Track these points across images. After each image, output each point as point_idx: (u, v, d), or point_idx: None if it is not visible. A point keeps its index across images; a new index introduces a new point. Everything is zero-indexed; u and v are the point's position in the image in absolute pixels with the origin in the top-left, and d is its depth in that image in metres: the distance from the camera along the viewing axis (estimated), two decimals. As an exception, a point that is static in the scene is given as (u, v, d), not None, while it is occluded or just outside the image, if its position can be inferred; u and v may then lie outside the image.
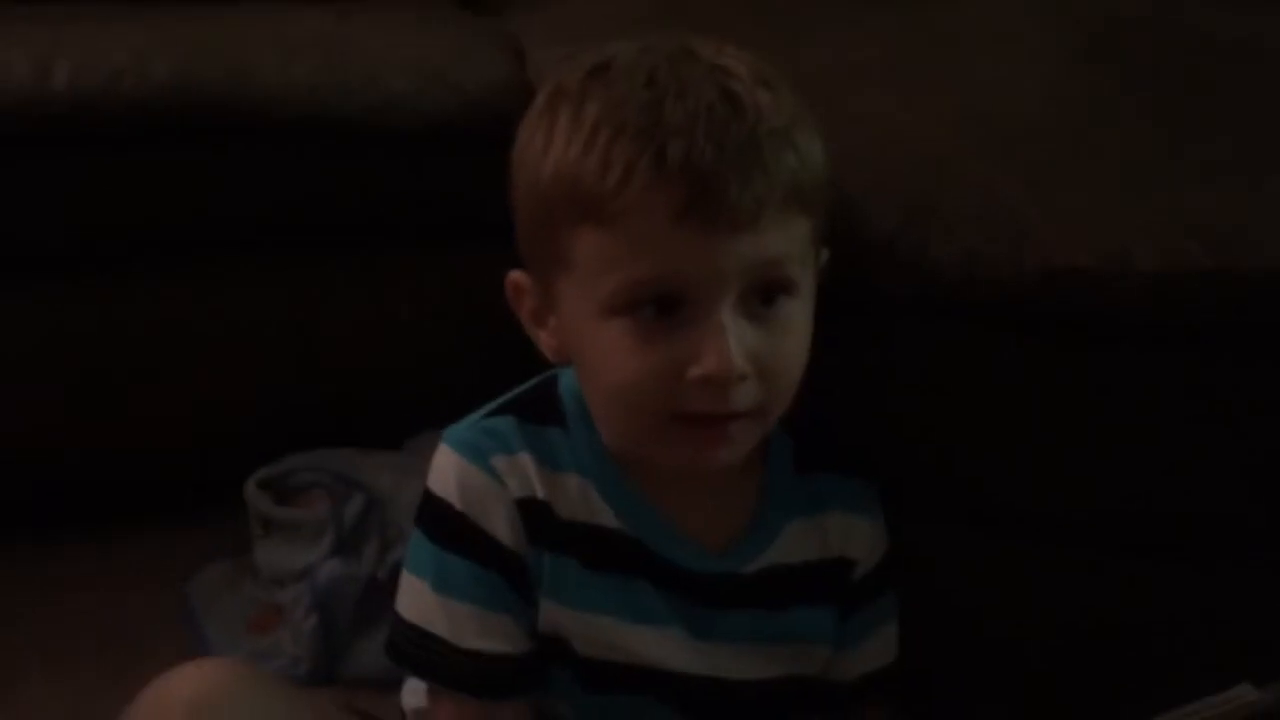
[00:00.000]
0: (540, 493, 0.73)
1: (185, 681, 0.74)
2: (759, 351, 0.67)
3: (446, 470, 0.74)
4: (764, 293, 0.68)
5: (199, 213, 1.07)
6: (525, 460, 0.73)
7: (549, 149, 0.68)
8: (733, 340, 0.66)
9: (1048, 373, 0.76)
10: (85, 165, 1.03)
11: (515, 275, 0.74)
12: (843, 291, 0.74)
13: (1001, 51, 1.04)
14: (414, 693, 0.80)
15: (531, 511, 0.73)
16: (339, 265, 1.13)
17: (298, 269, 1.12)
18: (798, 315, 0.69)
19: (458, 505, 0.73)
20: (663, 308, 0.67)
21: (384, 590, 1.03)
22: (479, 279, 1.11)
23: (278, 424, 1.15)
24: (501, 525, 0.72)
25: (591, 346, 0.69)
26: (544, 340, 0.74)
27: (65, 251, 1.07)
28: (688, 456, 0.70)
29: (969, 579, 0.82)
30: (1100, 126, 0.87)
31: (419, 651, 0.74)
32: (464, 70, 1.11)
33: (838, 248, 0.74)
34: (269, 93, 1.05)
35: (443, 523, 0.73)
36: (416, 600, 0.74)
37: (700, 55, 0.69)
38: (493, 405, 0.76)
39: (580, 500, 0.74)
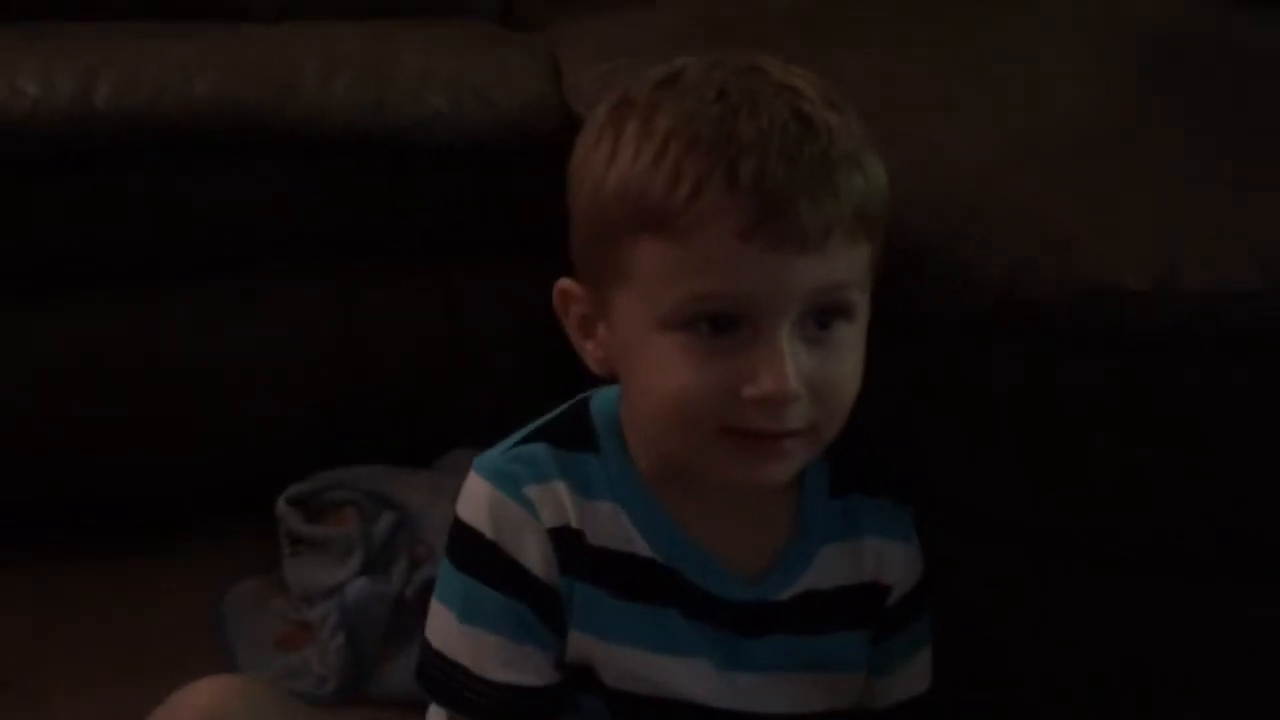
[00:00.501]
0: (574, 520, 0.72)
1: (199, 696, 0.73)
2: (814, 374, 0.66)
3: (478, 499, 0.72)
4: (822, 316, 0.67)
5: (237, 228, 1.08)
6: (560, 488, 0.72)
7: (615, 158, 0.67)
8: (790, 362, 0.65)
9: (1093, 394, 0.73)
10: (127, 181, 1.04)
11: (565, 283, 0.73)
12: (880, 309, 0.72)
13: (1048, 67, 1.02)
14: (437, 715, 0.79)
15: (564, 541, 0.72)
16: (374, 281, 1.13)
17: (334, 284, 1.12)
18: (853, 339, 0.68)
19: (488, 534, 0.72)
20: (719, 326, 0.66)
21: (412, 609, 1.03)
22: (513, 296, 1.12)
23: (312, 440, 1.15)
24: (534, 556, 0.71)
25: (645, 359, 0.68)
26: (590, 351, 0.72)
27: (108, 266, 1.07)
28: (740, 473, 0.68)
29: (1008, 602, 0.80)
30: (1147, 143, 0.85)
31: (443, 679, 0.73)
32: (500, 87, 1.11)
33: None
34: (309, 109, 1.05)
35: (472, 552, 0.72)
36: (443, 629, 0.73)
37: (769, 73, 0.69)
38: (524, 432, 0.75)
39: (613, 527, 0.72)
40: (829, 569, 0.75)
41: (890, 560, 0.77)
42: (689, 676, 0.73)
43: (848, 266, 0.67)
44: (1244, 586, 0.75)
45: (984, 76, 0.98)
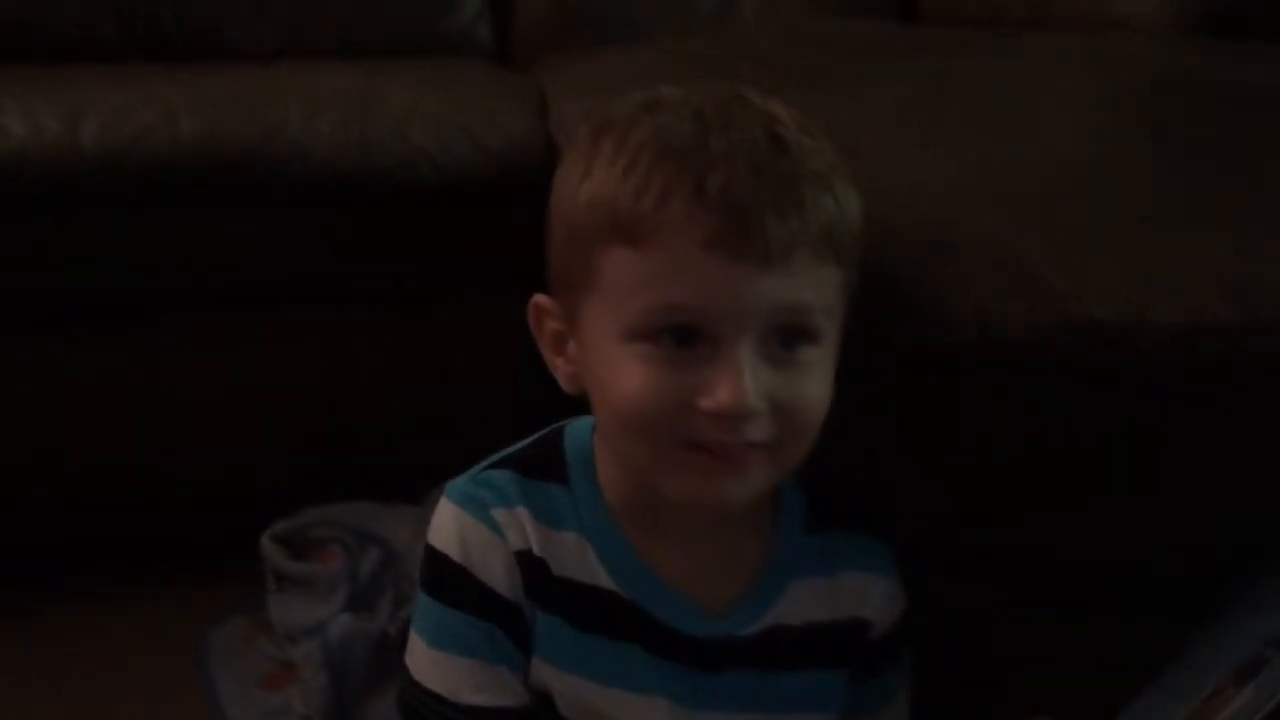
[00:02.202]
0: (536, 549, 0.72)
1: None
2: (775, 392, 0.66)
3: (447, 524, 0.73)
4: (786, 337, 0.67)
5: (222, 267, 1.08)
6: (523, 515, 0.72)
7: (590, 171, 0.68)
8: (748, 377, 0.65)
9: (1067, 429, 0.73)
10: (112, 221, 1.05)
11: (539, 298, 0.73)
12: (854, 343, 0.72)
13: (1032, 104, 1.03)
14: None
15: (528, 565, 0.72)
16: (361, 319, 1.13)
17: (320, 323, 1.13)
18: (818, 364, 0.68)
19: (457, 558, 0.72)
20: (681, 338, 0.66)
21: (397, 647, 1.01)
22: (499, 334, 1.12)
23: (298, 479, 1.15)
24: (500, 577, 0.72)
25: (608, 371, 0.68)
26: (561, 367, 0.73)
27: (90, 306, 1.08)
28: (699, 488, 0.68)
29: (982, 638, 0.80)
30: (1126, 181, 0.85)
31: (421, 709, 0.74)
32: (486, 125, 1.12)
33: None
34: (293, 149, 1.06)
35: (443, 577, 0.73)
36: (417, 658, 0.74)
37: (748, 99, 0.70)
38: (494, 458, 0.76)
39: (577, 559, 0.73)
40: (799, 604, 0.75)
41: (871, 595, 0.76)
42: (644, 714, 0.73)
43: (813, 288, 0.66)
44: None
45: (963, 115, 0.99)
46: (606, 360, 0.68)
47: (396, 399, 1.15)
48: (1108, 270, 0.73)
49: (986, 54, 1.17)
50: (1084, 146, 0.91)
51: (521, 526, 0.72)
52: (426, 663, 0.73)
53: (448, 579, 0.72)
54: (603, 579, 0.73)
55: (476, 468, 0.75)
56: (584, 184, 0.68)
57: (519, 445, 0.77)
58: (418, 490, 1.18)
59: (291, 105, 1.09)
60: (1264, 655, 0.64)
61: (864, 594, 0.76)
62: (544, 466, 0.74)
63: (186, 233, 1.06)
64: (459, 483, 0.75)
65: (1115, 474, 0.73)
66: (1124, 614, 0.77)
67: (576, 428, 0.76)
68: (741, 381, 0.64)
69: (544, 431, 0.78)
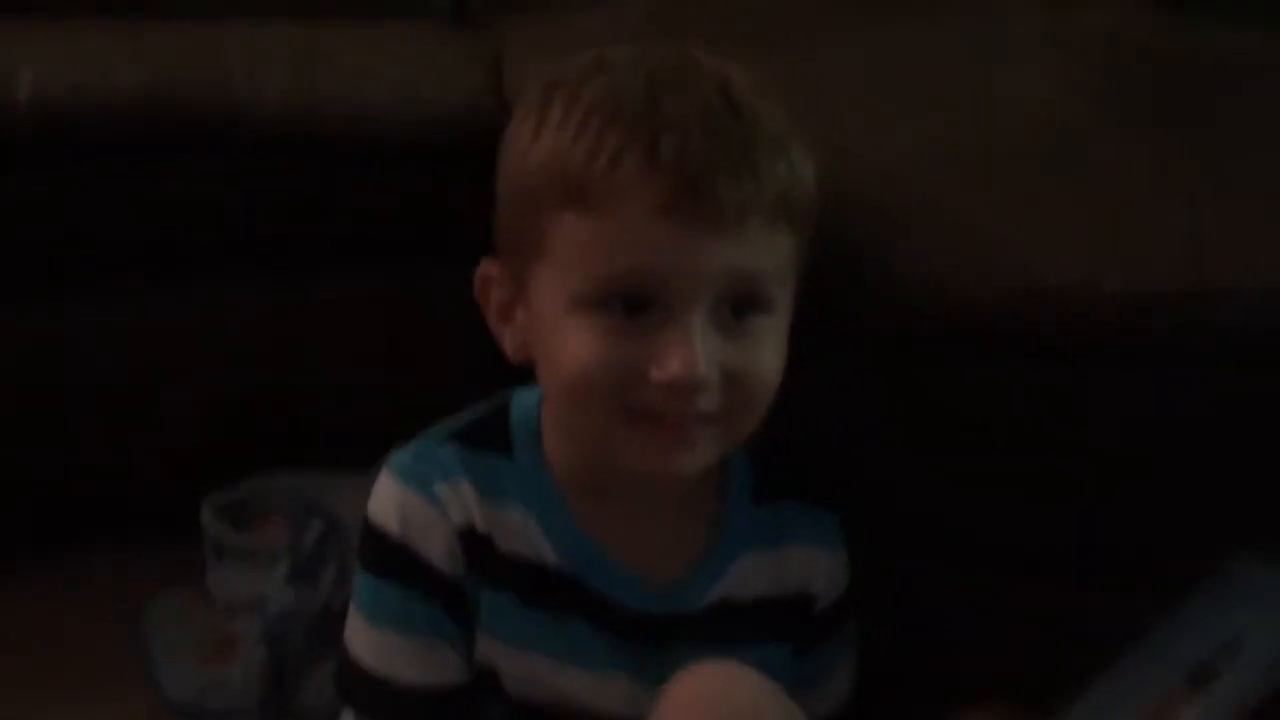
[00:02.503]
0: (480, 524, 0.70)
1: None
2: (726, 360, 0.65)
3: (386, 498, 0.72)
4: (738, 305, 0.65)
5: (165, 227, 1.05)
6: (466, 489, 0.71)
7: (539, 134, 0.66)
8: (700, 346, 0.63)
9: (1017, 396, 0.72)
10: (48, 178, 1.01)
11: (485, 266, 0.72)
12: (808, 315, 0.71)
13: (994, 73, 1.01)
14: (351, 721, 0.76)
15: (471, 542, 0.70)
16: (307, 283, 1.10)
17: (268, 285, 1.09)
18: (771, 333, 0.67)
19: (396, 532, 0.71)
20: (632, 307, 0.64)
21: (339, 620, 0.99)
22: (452, 298, 1.09)
23: (243, 446, 1.12)
24: (440, 552, 0.70)
25: (556, 339, 0.66)
26: (507, 337, 0.72)
27: (24, 266, 1.04)
28: (647, 460, 0.66)
29: (937, 612, 0.79)
30: (1086, 150, 0.84)
31: (357, 686, 0.72)
32: (441, 84, 1.09)
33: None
34: (238, 104, 1.02)
35: (380, 552, 0.71)
36: (355, 634, 0.73)
37: (700, 60, 0.68)
38: (437, 428, 0.74)
39: (521, 534, 0.71)
40: (748, 578, 0.73)
41: (816, 567, 0.75)
42: (599, 690, 0.72)
43: (766, 255, 0.65)
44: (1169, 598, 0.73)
45: (923, 83, 0.97)
46: (555, 328, 0.66)
47: (345, 364, 1.12)
48: (1064, 239, 0.72)
49: (951, 23, 1.15)
50: (1045, 116, 0.90)
51: (464, 501, 0.70)
52: (364, 640, 0.71)
53: (386, 555, 0.71)
54: (547, 554, 0.71)
55: (418, 439, 0.74)
56: (534, 146, 0.66)
57: (463, 415, 0.75)
58: (367, 458, 1.16)
59: (236, 60, 1.05)
60: (1216, 665, 0.63)
61: (810, 567, 0.75)
62: (489, 438, 0.73)
63: (125, 192, 1.02)
64: (400, 455, 0.73)
65: (1071, 446, 0.72)
66: (1080, 589, 0.76)
67: (523, 398, 0.75)
68: (693, 351, 0.63)
69: (489, 402, 0.76)
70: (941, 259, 0.72)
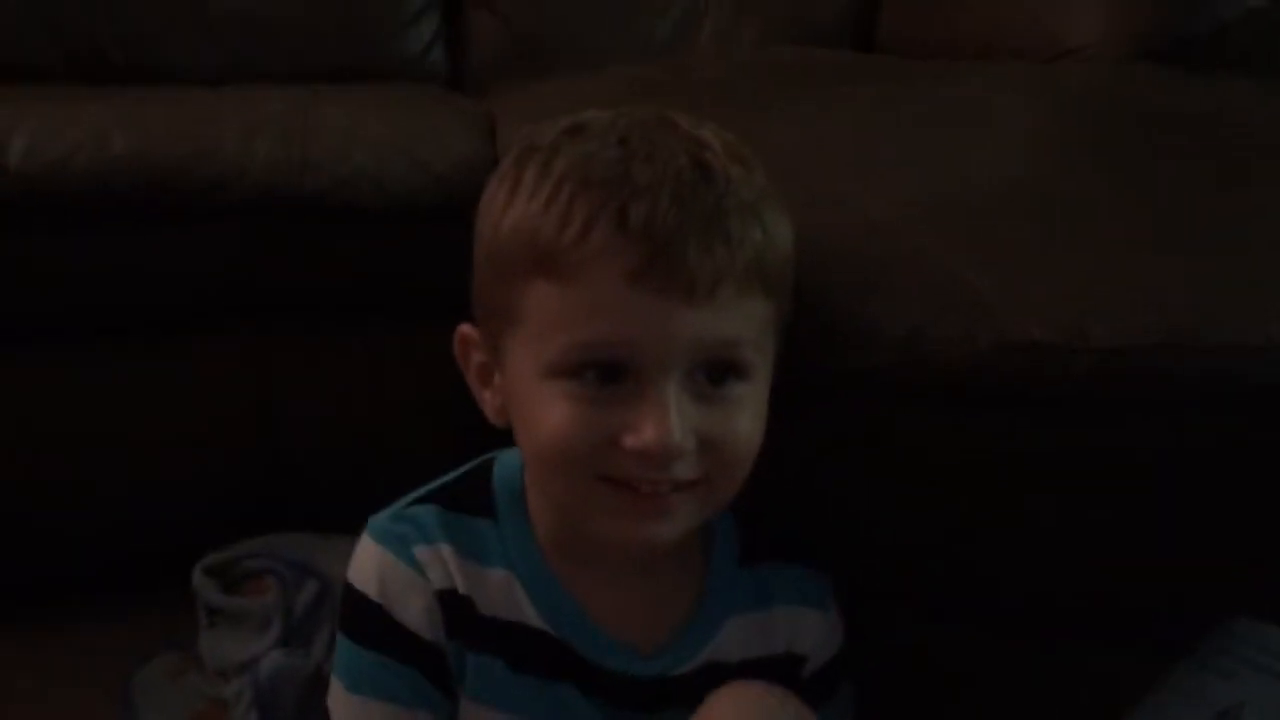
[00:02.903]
0: (461, 587, 0.70)
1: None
2: (702, 427, 0.64)
3: (366, 561, 0.71)
4: (714, 372, 0.65)
5: (152, 288, 1.05)
6: (446, 552, 0.70)
7: (512, 201, 0.66)
8: (674, 415, 0.63)
9: (1004, 451, 0.71)
10: (38, 242, 1.01)
11: (465, 329, 0.72)
12: (787, 368, 0.70)
13: (977, 130, 1.02)
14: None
15: (451, 605, 0.69)
16: (294, 345, 1.10)
17: (253, 348, 1.10)
18: (748, 400, 0.66)
19: (375, 597, 0.70)
20: (605, 375, 0.64)
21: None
22: (438, 361, 1.10)
23: (231, 508, 1.12)
24: (420, 617, 0.69)
25: (531, 407, 0.66)
26: (487, 400, 0.71)
27: (12, 327, 1.04)
28: (623, 528, 0.66)
29: (926, 672, 0.78)
30: (1068, 204, 0.84)
31: None
32: (431, 147, 1.09)
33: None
34: (227, 168, 1.03)
35: (359, 617, 0.71)
36: (335, 701, 0.72)
37: (676, 124, 0.68)
38: (419, 492, 0.74)
39: (504, 597, 0.70)
40: (735, 641, 0.72)
41: (805, 629, 0.74)
42: None
43: (740, 322, 0.65)
44: (1157, 657, 0.73)
45: (906, 142, 0.98)
46: (529, 395, 0.66)
47: (336, 425, 1.12)
48: (1047, 292, 0.72)
49: (934, 81, 1.16)
50: (1027, 171, 0.91)
51: (444, 564, 0.70)
52: (343, 706, 0.70)
53: (365, 619, 0.70)
54: (531, 617, 0.70)
55: (400, 502, 0.73)
56: (506, 213, 0.66)
57: (445, 478, 0.75)
58: (358, 521, 1.15)
59: (227, 124, 1.06)
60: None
61: (798, 627, 0.73)
62: (471, 501, 0.72)
63: (116, 253, 1.02)
64: (380, 518, 0.73)
65: (1055, 498, 0.71)
66: (1075, 644, 0.75)
67: (506, 460, 0.74)
68: (667, 420, 0.62)
69: (472, 464, 0.76)
70: (923, 310, 0.72)
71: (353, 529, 1.12)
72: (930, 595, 0.77)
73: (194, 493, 1.10)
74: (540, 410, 0.65)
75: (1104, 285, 0.72)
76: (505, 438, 0.74)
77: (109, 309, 1.05)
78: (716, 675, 0.71)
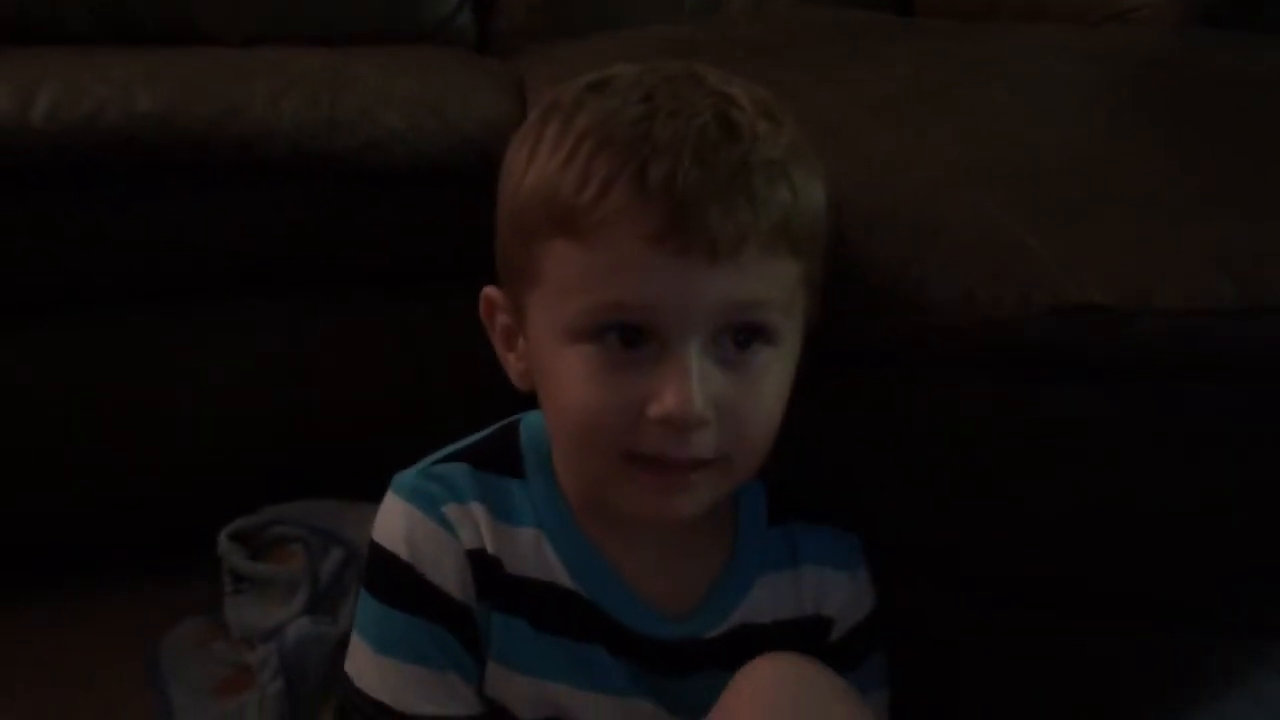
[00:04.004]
0: (490, 546, 0.68)
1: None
2: (725, 397, 0.62)
3: (394, 520, 0.69)
4: (739, 336, 0.63)
5: (180, 252, 1.03)
6: (477, 510, 0.68)
7: (533, 159, 0.64)
8: (696, 381, 0.61)
9: (1060, 419, 0.68)
10: (64, 203, 1.00)
11: (490, 291, 0.70)
12: (835, 334, 0.68)
13: (1026, 88, 0.98)
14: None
15: (481, 565, 0.68)
16: (325, 309, 1.08)
17: (283, 312, 1.08)
18: (775, 366, 0.64)
19: (404, 556, 0.68)
20: (628, 338, 0.62)
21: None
22: (471, 324, 1.08)
23: (261, 475, 1.10)
24: (451, 577, 0.68)
25: (554, 372, 0.64)
26: (511, 364, 0.70)
27: (40, 291, 1.02)
28: (645, 504, 0.64)
29: (962, 646, 0.75)
30: (1123, 163, 0.81)
31: (363, 718, 0.69)
32: (461, 108, 1.07)
33: (830, 285, 0.68)
34: (256, 127, 1.01)
35: (388, 577, 0.69)
36: (360, 663, 0.70)
37: (704, 79, 0.66)
38: (447, 451, 0.72)
39: (533, 556, 0.69)
40: (767, 601, 0.71)
41: (831, 590, 0.72)
42: (617, 716, 0.69)
43: (766, 283, 0.62)
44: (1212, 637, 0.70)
45: (956, 100, 0.94)
46: (552, 359, 0.64)
47: (365, 391, 1.10)
48: (1106, 252, 0.68)
49: (980, 42, 1.13)
50: (1081, 130, 0.87)
51: (475, 523, 0.68)
52: (370, 669, 0.68)
53: (394, 579, 0.68)
54: (561, 577, 0.69)
55: (426, 460, 0.71)
56: (527, 172, 0.64)
57: (472, 438, 0.73)
58: (385, 487, 1.14)
59: (257, 83, 1.04)
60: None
61: (824, 589, 0.72)
62: (499, 460, 0.70)
63: (144, 215, 1.01)
64: (407, 476, 0.71)
65: (1113, 471, 0.68)
66: (1118, 623, 0.72)
67: (532, 420, 0.72)
68: (689, 387, 0.60)
69: (499, 424, 0.74)
70: (976, 271, 0.69)
71: (380, 497, 1.11)
72: (973, 570, 0.74)
73: (222, 459, 1.09)
74: (563, 375, 0.63)
75: (1166, 246, 0.69)
76: (535, 404, 0.72)
77: (136, 272, 1.03)
78: (748, 637, 0.70)
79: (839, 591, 0.72)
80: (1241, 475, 0.67)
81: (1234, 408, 0.66)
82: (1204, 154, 0.81)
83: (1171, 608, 0.72)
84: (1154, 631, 0.73)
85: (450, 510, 0.68)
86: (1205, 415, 0.66)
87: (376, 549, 0.70)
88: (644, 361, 0.62)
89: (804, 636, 0.71)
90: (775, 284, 0.63)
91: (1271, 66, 0.98)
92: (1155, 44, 1.08)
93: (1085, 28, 1.26)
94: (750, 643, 0.69)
